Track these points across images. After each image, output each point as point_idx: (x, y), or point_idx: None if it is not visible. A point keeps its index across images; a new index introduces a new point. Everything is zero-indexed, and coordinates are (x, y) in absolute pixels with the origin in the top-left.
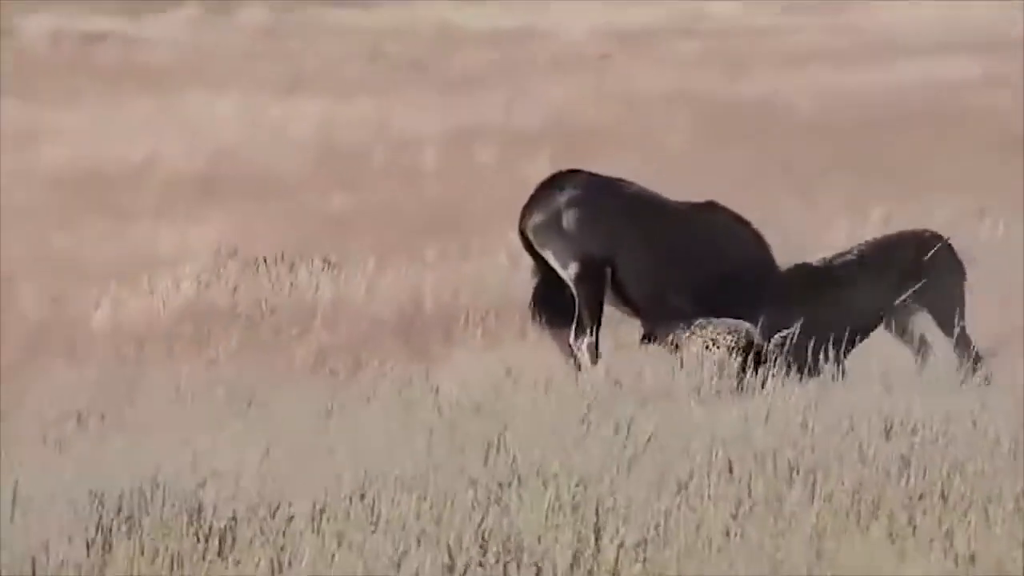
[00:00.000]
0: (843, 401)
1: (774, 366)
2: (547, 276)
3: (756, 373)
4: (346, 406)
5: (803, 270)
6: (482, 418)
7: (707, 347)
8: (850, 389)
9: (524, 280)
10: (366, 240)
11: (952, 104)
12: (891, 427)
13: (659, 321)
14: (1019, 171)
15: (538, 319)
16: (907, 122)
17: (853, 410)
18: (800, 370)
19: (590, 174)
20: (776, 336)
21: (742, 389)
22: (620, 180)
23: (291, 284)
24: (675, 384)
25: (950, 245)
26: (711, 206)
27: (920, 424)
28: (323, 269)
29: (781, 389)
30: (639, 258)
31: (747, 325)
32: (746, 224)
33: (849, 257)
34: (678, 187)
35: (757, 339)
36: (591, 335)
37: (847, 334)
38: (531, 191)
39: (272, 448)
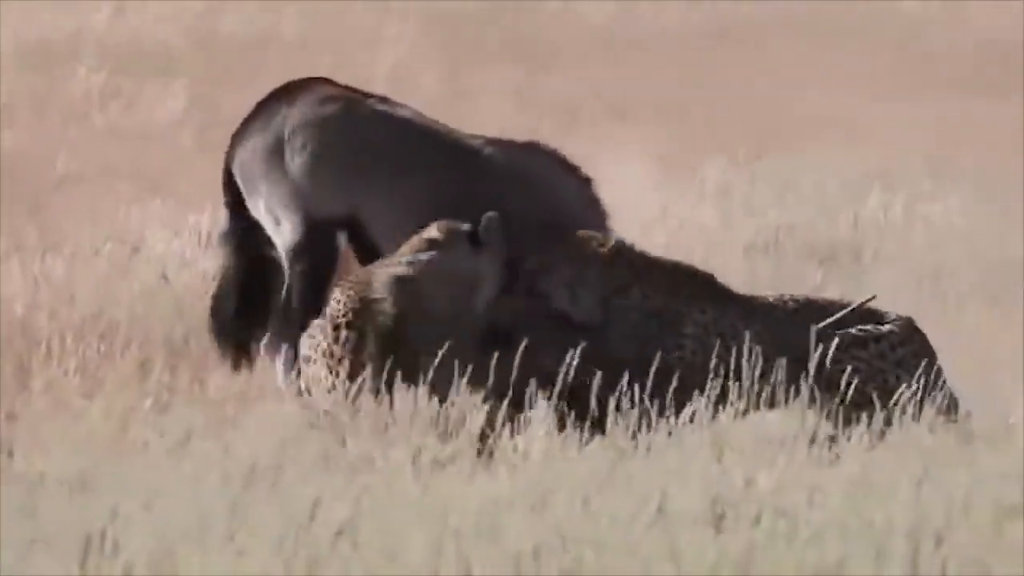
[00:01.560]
0: (650, 473)
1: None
2: (242, 258)
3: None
4: None
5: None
6: (83, 499)
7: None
8: (661, 456)
9: (148, 288)
10: None
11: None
12: (723, 513)
13: None
14: (969, 116)
15: (226, 336)
16: (761, 30)
17: (666, 487)
18: (581, 421)
19: (336, 86)
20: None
21: (486, 454)
22: (384, 99)
23: None
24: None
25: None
26: (530, 148)
27: (770, 508)
28: None
29: (552, 452)
30: (401, 219)
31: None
32: (583, 180)
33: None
34: None
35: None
36: (296, 340)
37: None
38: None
39: None
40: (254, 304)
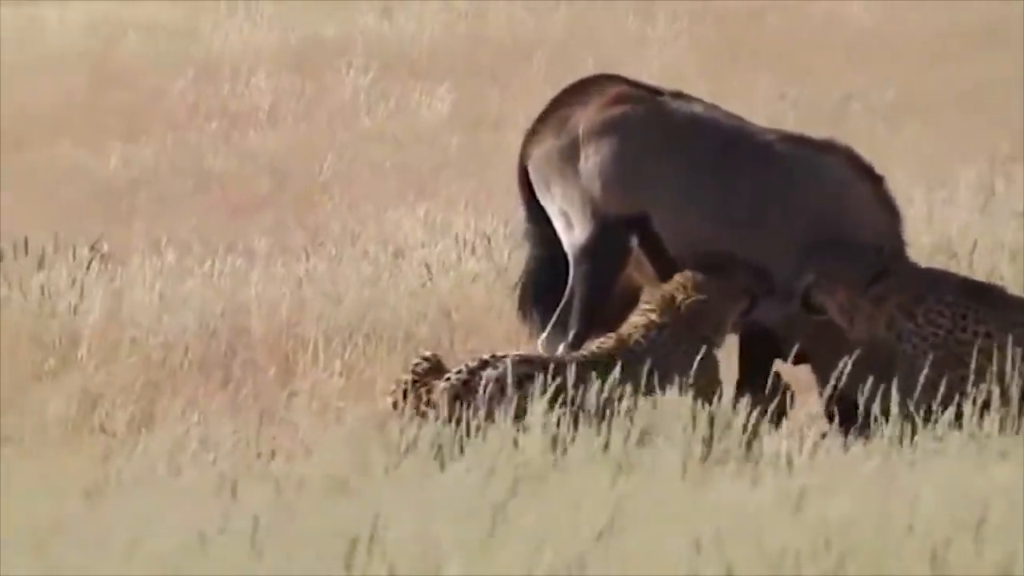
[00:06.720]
0: (913, 477)
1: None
2: (546, 249)
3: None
4: (124, 482)
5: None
6: (343, 504)
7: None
8: (926, 461)
9: (413, 290)
10: (160, 218)
11: None
12: (983, 518)
13: None
14: None
15: (531, 317)
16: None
17: (920, 491)
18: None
19: (632, 83)
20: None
21: (752, 456)
22: (678, 94)
23: (42, 289)
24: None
25: None
26: (829, 147)
27: None
28: (90, 264)
29: (817, 455)
30: (691, 219)
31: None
32: (875, 180)
33: None
34: None
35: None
36: (572, 341)
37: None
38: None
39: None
40: (554, 298)
